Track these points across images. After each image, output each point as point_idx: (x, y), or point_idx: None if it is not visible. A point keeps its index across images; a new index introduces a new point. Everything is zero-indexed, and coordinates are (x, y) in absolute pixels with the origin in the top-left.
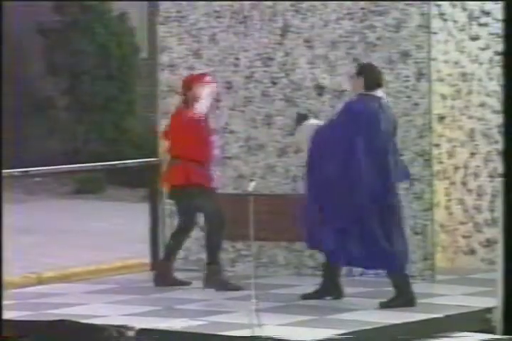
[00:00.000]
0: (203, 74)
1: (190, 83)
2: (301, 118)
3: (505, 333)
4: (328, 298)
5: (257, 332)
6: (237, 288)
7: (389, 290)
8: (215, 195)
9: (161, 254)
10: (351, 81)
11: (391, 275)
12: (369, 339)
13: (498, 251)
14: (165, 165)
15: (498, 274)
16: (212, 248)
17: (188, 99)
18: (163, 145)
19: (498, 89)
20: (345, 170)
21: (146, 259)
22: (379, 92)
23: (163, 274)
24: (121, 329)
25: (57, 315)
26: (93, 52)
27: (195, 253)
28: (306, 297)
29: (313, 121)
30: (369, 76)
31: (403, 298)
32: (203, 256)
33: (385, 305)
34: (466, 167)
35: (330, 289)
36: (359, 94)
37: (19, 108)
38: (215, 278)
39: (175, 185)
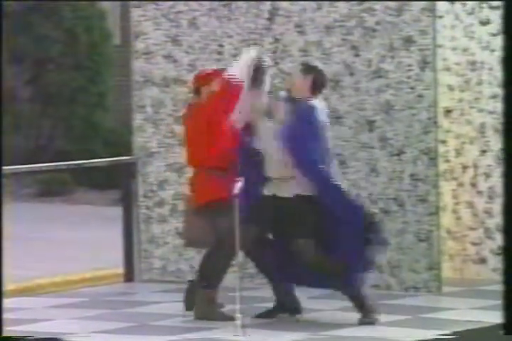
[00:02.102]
0: (222, 70)
1: (208, 78)
2: None
3: (505, 333)
4: (286, 314)
5: None
6: (230, 319)
7: (386, 304)
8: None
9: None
10: (296, 80)
11: (347, 296)
12: None
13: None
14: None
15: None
16: (215, 271)
17: (202, 96)
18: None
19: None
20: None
21: (119, 270)
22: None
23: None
24: None
25: (20, 333)
26: (59, 38)
27: (173, 262)
28: (259, 316)
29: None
30: (318, 77)
31: (370, 311)
32: (183, 266)
33: (362, 323)
34: (475, 166)
35: (285, 305)
36: (308, 97)
37: None
38: (206, 306)
39: (203, 202)
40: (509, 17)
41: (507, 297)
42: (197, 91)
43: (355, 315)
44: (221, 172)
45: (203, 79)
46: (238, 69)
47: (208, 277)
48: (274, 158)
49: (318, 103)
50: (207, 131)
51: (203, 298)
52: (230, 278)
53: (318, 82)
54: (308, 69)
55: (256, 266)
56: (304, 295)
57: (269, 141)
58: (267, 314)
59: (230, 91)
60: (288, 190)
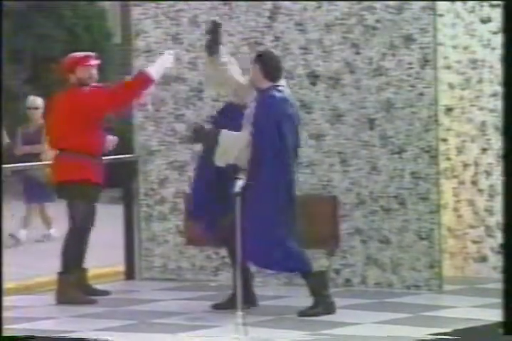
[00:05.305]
0: (87, 56)
1: (72, 65)
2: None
3: (505, 333)
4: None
5: None
6: (91, 302)
7: (387, 302)
8: (95, 194)
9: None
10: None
11: (306, 277)
12: None
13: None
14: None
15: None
16: (66, 254)
17: (72, 83)
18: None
19: None
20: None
21: (120, 267)
22: (282, 82)
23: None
24: None
25: (21, 331)
26: (59, 36)
27: (174, 261)
28: (217, 307)
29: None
30: (268, 64)
31: (323, 304)
32: (184, 264)
33: (303, 314)
34: (476, 164)
35: (244, 297)
36: (268, 86)
37: None
38: (66, 291)
39: (60, 182)
40: (509, 16)
41: (507, 296)
42: (65, 77)
43: (357, 314)
44: (82, 155)
45: (67, 68)
46: (155, 69)
47: (64, 263)
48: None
49: (279, 92)
50: (72, 117)
51: (61, 283)
52: (230, 277)
53: (267, 69)
54: (255, 57)
55: (230, 254)
56: (305, 293)
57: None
58: (225, 304)
59: (139, 85)
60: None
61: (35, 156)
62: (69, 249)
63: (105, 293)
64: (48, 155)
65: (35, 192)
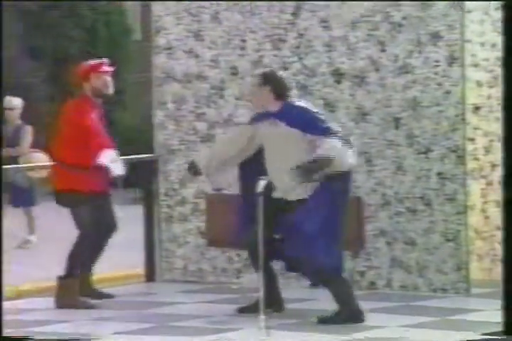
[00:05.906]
0: (100, 63)
1: (86, 73)
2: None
3: (505, 333)
4: (268, 310)
5: None
6: (91, 306)
7: (413, 305)
8: (99, 202)
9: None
10: (254, 92)
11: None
12: None
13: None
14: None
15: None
16: (72, 260)
17: (85, 92)
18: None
19: None
20: None
21: (140, 269)
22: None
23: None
24: None
25: (36, 333)
26: (79, 35)
27: (195, 262)
28: (243, 310)
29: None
30: (278, 84)
31: (346, 312)
32: (205, 266)
33: (323, 321)
34: None
35: (269, 301)
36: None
37: None
38: (67, 295)
39: (57, 191)
40: (510, 18)
41: (507, 297)
42: (79, 86)
43: (382, 317)
44: (81, 169)
45: (82, 76)
46: (109, 157)
47: (68, 267)
48: (279, 166)
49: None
50: (69, 129)
51: (62, 288)
52: (253, 279)
53: (278, 89)
54: (264, 80)
55: (253, 263)
56: (325, 296)
57: (273, 149)
58: (251, 308)
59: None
60: (294, 194)
61: (14, 159)
62: (75, 255)
63: (110, 296)
64: (26, 157)
65: (19, 196)
